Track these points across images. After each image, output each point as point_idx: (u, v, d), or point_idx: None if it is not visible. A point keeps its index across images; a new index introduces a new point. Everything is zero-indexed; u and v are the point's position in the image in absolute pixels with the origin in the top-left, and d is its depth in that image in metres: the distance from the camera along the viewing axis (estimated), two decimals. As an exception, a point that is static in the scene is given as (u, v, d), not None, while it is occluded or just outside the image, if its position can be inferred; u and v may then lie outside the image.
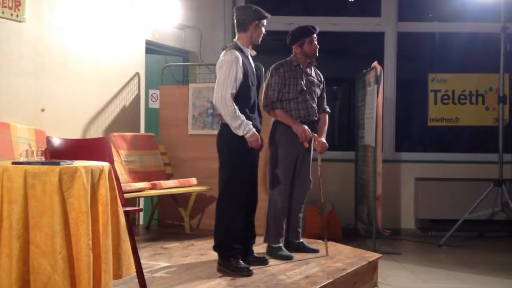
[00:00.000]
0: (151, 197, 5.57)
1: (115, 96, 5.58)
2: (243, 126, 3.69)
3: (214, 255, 3.92)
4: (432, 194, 6.65)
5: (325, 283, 3.54)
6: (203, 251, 4.48)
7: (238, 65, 3.71)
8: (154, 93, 6.27)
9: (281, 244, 4.27)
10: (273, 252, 4.22)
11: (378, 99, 5.61)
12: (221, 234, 3.81)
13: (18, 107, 4.55)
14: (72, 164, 2.69)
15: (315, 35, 4.36)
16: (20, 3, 4.49)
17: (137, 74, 5.87)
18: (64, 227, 2.56)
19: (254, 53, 3.92)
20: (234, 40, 3.94)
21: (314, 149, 4.40)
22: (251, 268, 3.74)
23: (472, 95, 7.04)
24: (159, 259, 4.17)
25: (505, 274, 4.89)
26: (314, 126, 4.39)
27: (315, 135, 4.34)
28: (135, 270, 3.01)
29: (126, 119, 5.70)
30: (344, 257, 4.26)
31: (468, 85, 7.04)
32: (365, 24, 7.12)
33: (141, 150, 5.48)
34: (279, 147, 4.29)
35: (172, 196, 5.39)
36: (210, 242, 4.08)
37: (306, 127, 4.25)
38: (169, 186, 5.20)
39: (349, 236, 6.26)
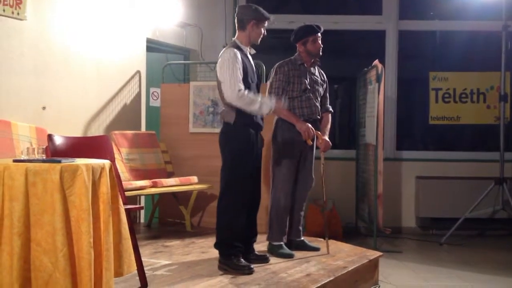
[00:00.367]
0: (152, 195, 5.58)
1: (116, 94, 5.58)
2: (264, 105, 3.70)
3: (215, 253, 3.92)
4: (433, 192, 6.64)
5: (326, 281, 3.54)
6: (204, 249, 4.48)
7: (237, 61, 3.71)
8: (155, 91, 6.27)
9: (282, 242, 4.27)
10: (274, 250, 4.22)
11: (379, 97, 5.60)
12: (223, 232, 3.80)
13: (19, 105, 4.56)
14: (73, 162, 2.69)
15: (319, 34, 4.36)
16: (21, 1, 4.49)
17: (138, 72, 5.87)
18: (65, 225, 2.57)
19: (253, 51, 3.92)
20: (233, 38, 3.95)
21: (317, 147, 4.41)
22: (252, 266, 3.74)
23: (473, 93, 7.04)
24: (160, 257, 4.17)
25: (506, 272, 4.88)
26: (317, 125, 4.39)
27: (319, 132, 4.34)
28: (136, 268, 3.02)
29: (127, 117, 5.70)
30: (345, 255, 4.26)
31: (469, 83, 7.04)
32: (366, 23, 7.12)
33: (142, 148, 5.48)
34: (282, 145, 4.29)
35: (173, 194, 5.39)
36: (211, 240, 4.09)
37: (309, 125, 4.25)
38: (170, 184, 5.21)
39: (349, 234, 6.26)
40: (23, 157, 2.81)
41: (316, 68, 4.48)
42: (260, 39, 3.87)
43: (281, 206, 4.27)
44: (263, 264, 3.92)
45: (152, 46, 6.18)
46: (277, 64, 4.38)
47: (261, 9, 3.85)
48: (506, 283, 4.58)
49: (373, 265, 4.28)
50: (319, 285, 3.47)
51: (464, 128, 7.25)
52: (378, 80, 5.59)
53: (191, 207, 5.42)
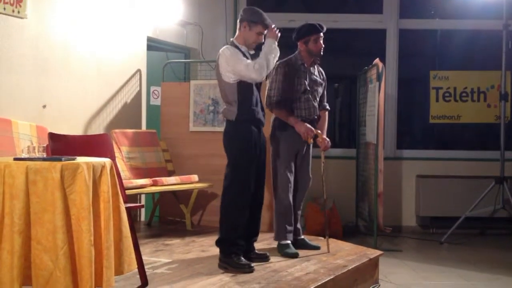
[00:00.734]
0: (153, 193, 5.58)
1: (117, 92, 5.58)
2: (269, 55, 3.74)
3: (215, 252, 3.92)
4: (433, 191, 6.64)
5: (326, 280, 3.54)
6: (204, 247, 4.49)
7: (240, 53, 3.76)
8: (155, 90, 6.27)
9: (289, 241, 4.26)
10: (281, 249, 4.22)
11: (379, 96, 5.60)
12: (225, 230, 3.81)
13: (20, 103, 4.56)
14: (73, 160, 2.69)
15: (321, 34, 4.33)
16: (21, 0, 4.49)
17: (139, 71, 5.87)
18: (66, 223, 2.57)
19: (252, 51, 3.91)
20: (231, 38, 3.97)
21: (318, 146, 4.39)
22: (252, 264, 3.74)
23: (473, 92, 7.03)
24: (161, 256, 4.17)
25: (506, 271, 4.88)
26: (315, 124, 4.38)
27: (319, 131, 4.33)
28: (136, 266, 3.02)
29: (127, 115, 5.70)
30: (345, 254, 4.26)
31: (470, 82, 7.03)
32: (366, 21, 7.12)
33: (142, 146, 5.48)
34: (280, 144, 4.29)
35: (174, 192, 5.39)
36: (212, 239, 4.09)
37: (308, 125, 4.24)
38: (171, 182, 5.21)
39: (350, 233, 6.26)
40: (24, 155, 2.81)
41: (315, 67, 4.46)
42: (254, 43, 3.84)
43: (284, 205, 4.26)
44: (263, 263, 3.93)
45: (153, 45, 6.18)
46: (276, 63, 4.33)
47: (261, 14, 3.83)
48: (507, 282, 4.59)
49: (373, 264, 4.28)
50: (319, 283, 3.47)
51: (464, 127, 7.25)
52: (379, 79, 5.59)
53: (192, 206, 5.42)
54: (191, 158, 5.69)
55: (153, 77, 6.14)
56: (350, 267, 3.88)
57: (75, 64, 5.08)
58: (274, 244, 4.34)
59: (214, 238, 3.92)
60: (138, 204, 3.99)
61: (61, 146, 3.25)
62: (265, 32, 3.85)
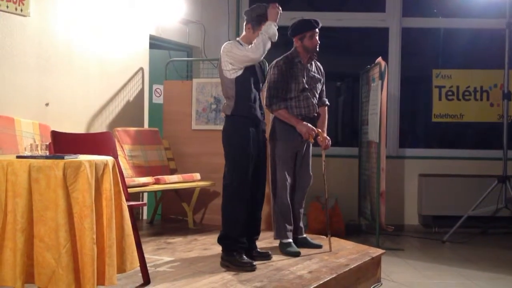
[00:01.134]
0: (155, 192, 5.58)
1: (119, 91, 5.59)
2: (266, 35, 3.73)
3: (218, 250, 3.92)
4: (435, 190, 6.64)
5: (328, 279, 3.54)
6: (207, 246, 4.49)
7: (239, 45, 3.78)
8: (158, 88, 6.27)
9: (290, 240, 4.26)
10: (283, 248, 4.22)
11: (382, 95, 5.60)
12: (226, 227, 3.82)
13: (23, 101, 4.56)
14: (76, 158, 2.70)
15: (317, 30, 4.29)
16: (24, -2, 4.49)
17: (141, 69, 5.87)
18: (68, 221, 2.57)
19: None
20: (237, 38, 3.99)
21: (319, 145, 4.38)
22: (254, 263, 3.74)
23: (476, 91, 7.02)
24: (163, 254, 4.18)
25: (509, 270, 4.88)
26: (315, 122, 4.37)
27: (319, 130, 4.32)
28: (138, 264, 3.03)
29: (130, 114, 5.71)
30: (347, 253, 4.26)
31: (473, 81, 7.02)
32: (369, 20, 7.11)
33: (145, 145, 5.48)
34: (279, 144, 4.28)
35: (176, 191, 5.40)
36: (214, 237, 4.09)
37: (309, 125, 4.23)
38: (173, 181, 5.21)
39: (352, 232, 6.26)
40: (26, 153, 2.81)
41: (313, 63, 4.42)
42: None
43: (283, 204, 4.26)
44: (265, 261, 3.93)
45: (155, 43, 6.18)
46: (273, 62, 4.31)
47: (263, 16, 3.84)
48: (509, 281, 4.58)
49: (375, 262, 4.28)
50: (321, 282, 3.47)
51: (467, 126, 7.24)
52: (381, 77, 5.58)
53: (194, 204, 5.43)
54: (193, 156, 5.69)
55: (155, 75, 6.14)
56: (352, 266, 3.88)
57: (78, 62, 5.08)
58: (276, 243, 4.34)
59: (216, 236, 3.92)
60: (140, 202, 4.00)
61: (63, 144, 3.26)
62: None
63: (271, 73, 4.27)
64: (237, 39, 3.95)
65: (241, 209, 3.79)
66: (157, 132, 5.74)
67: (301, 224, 4.46)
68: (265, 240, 4.42)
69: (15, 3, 4.43)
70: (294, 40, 4.35)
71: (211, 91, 5.65)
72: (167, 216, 5.84)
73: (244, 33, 3.92)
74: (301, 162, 4.36)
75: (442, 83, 7.04)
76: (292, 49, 4.36)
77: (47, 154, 2.80)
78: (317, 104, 4.39)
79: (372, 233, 5.96)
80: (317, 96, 4.40)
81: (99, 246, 2.66)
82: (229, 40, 4.22)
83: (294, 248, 4.21)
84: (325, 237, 4.56)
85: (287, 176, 4.25)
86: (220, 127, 3.95)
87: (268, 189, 4.41)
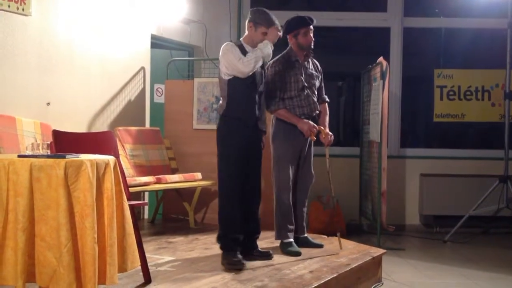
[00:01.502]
0: (156, 191, 5.59)
1: (121, 90, 5.59)
2: (259, 53, 3.75)
3: (219, 250, 3.93)
4: (437, 190, 6.63)
5: (329, 278, 3.54)
6: (208, 245, 4.49)
7: (235, 48, 3.79)
8: (159, 88, 6.27)
9: (291, 239, 4.26)
10: (284, 248, 4.22)
11: (383, 94, 5.60)
12: (221, 226, 3.87)
13: (24, 101, 4.57)
14: (77, 157, 2.70)
15: (311, 27, 4.24)
16: (26, -3, 4.50)
17: (143, 68, 5.87)
18: (70, 220, 2.57)
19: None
20: (240, 39, 4.00)
21: (322, 143, 4.37)
22: (243, 262, 3.74)
23: (478, 91, 7.02)
24: (164, 253, 4.18)
25: (510, 270, 4.88)
26: (316, 120, 4.37)
27: (321, 128, 4.32)
28: (139, 263, 3.03)
29: (131, 113, 5.71)
30: (348, 253, 4.25)
31: (474, 81, 7.02)
32: (371, 19, 7.10)
33: (146, 144, 5.49)
34: (281, 144, 4.27)
35: (177, 190, 5.40)
36: (215, 237, 4.09)
37: (311, 123, 4.23)
38: (174, 180, 5.22)
39: (353, 231, 6.26)
40: (28, 152, 2.81)
41: (309, 60, 4.39)
42: (259, 43, 3.84)
43: (284, 204, 4.26)
44: (266, 261, 3.93)
45: (157, 43, 6.18)
46: (270, 62, 4.25)
47: (266, 15, 3.85)
48: (510, 281, 4.58)
49: (376, 262, 4.28)
50: (322, 282, 3.47)
51: (468, 125, 7.23)
52: (383, 77, 5.58)
53: (195, 204, 5.43)
54: (195, 156, 5.69)
55: (157, 75, 6.15)
56: (353, 266, 3.88)
57: (79, 62, 5.09)
58: (277, 243, 4.34)
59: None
60: (141, 202, 4.01)
61: (65, 144, 3.26)
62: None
63: (268, 73, 4.24)
64: (240, 39, 3.95)
65: (233, 207, 3.81)
66: (159, 132, 5.74)
67: (304, 224, 4.46)
68: (266, 240, 4.41)
69: (16, 2, 4.43)
70: (288, 38, 4.30)
71: (213, 91, 5.65)
72: (168, 216, 5.84)
73: (246, 32, 3.92)
74: (303, 161, 4.36)
75: (444, 83, 7.04)
76: (288, 48, 4.34)
77: (49, 153, 2.80)
78: (317, 102, 4.38)
79: (373, 232, 5.95)
80: (316, 93, 4.39)
81: (100, 245, 2.66)
82: (230, 40, 4.22)
83: (295, 247, 4.21)
84: (326, 236, 4.56)
85: (289, 176, 4.25)
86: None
87: (271, 189, 4.41)
